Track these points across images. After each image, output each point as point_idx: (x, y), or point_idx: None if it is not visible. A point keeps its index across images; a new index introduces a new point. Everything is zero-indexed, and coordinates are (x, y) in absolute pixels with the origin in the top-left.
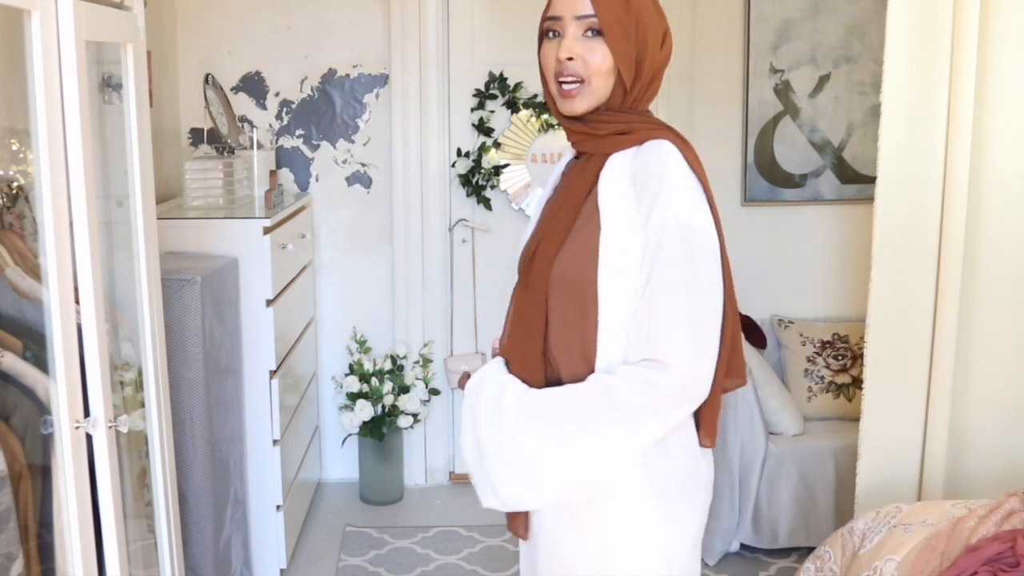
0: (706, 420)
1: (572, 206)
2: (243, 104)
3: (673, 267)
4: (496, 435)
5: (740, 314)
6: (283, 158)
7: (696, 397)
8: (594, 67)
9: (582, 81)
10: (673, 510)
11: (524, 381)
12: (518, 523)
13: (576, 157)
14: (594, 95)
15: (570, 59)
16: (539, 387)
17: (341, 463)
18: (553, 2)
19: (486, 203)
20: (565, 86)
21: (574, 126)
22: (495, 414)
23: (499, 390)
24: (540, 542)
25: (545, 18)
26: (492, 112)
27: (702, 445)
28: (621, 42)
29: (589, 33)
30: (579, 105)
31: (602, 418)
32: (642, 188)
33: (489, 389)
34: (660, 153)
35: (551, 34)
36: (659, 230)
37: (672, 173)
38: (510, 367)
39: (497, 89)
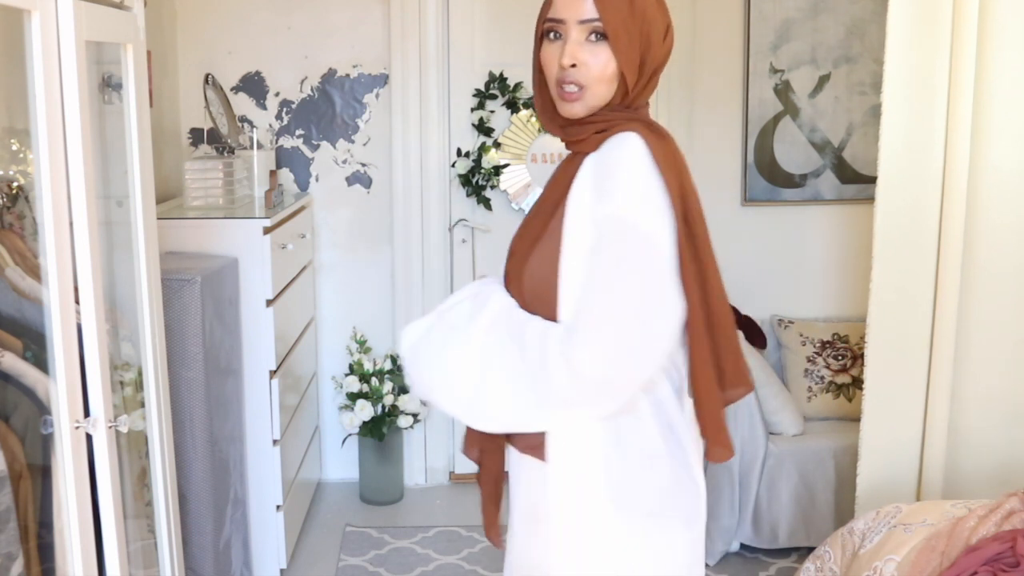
0: (709, 432)
1: (545, 211)
2: (243, 104)
3: (604, 261)
4: (455, 320)
5: (742, 314)
6: (283, 158)
7: (607, 399)
8: (596, 74)
9: (582, 87)
10: (649, 531)
11: None
12: (492, 532)
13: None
14: (594, 99)
15: (573, 66)
16: None
17: (341, 463)
18: (555, 3)
19: (486, 203)
20: (566, 89)
21: (566, 129)
22: (476, 305)
23: (495, 296)
24: (512, 551)
25: (546, 19)
26: (492, 112)
27: (710, 459)
28: (626, 46)
29: (593, 37)
30: (579, 109)
31: (520, 388)
32: (596, 182)
33: (491, 293)
34: (620, 146)
35: (552, 35)
36: (601, 223)
37: (625, 166)
38: None
39: (497, 89)
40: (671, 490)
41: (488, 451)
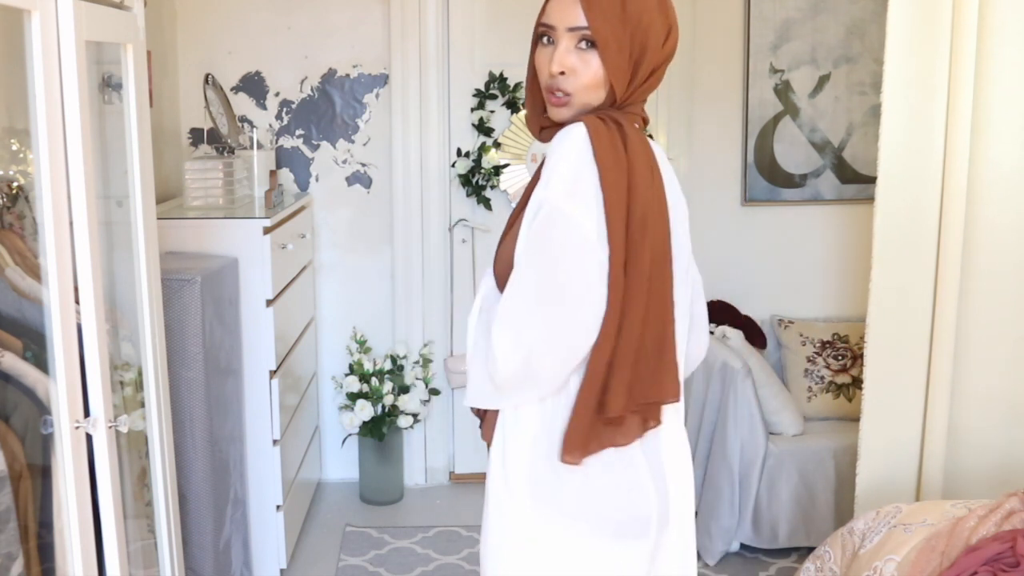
0: (569, 431)
1: (518, 207)
2: (243, 104)
3: (530, 242)
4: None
5: (741, 314)
6: (283, 158)
7: (529, 388)
8: (585, 82)
9: (568, 94)
10: (561, 536)
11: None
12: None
13: None
14: (581, 105)
15: (562, 73)
16: None
17: (341, 463)
18: (547, 8)
19: (486, 203)
20: (556, 95)
21: (546, 131)
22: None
23: (483, 281)
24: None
25: (539, 23)
26: (492, 112)
27: (562, 460)
28: (615, 55)
29: (583, 44)
30: (566, 113)
31: (480, 371)
32: (543, 170)
33: (483, 279)
34: (564, 135)
35: (545, 40)
36: (536, 206)
37: (563, 154)
38: None
39: (497, 89)
40: (597, 495)
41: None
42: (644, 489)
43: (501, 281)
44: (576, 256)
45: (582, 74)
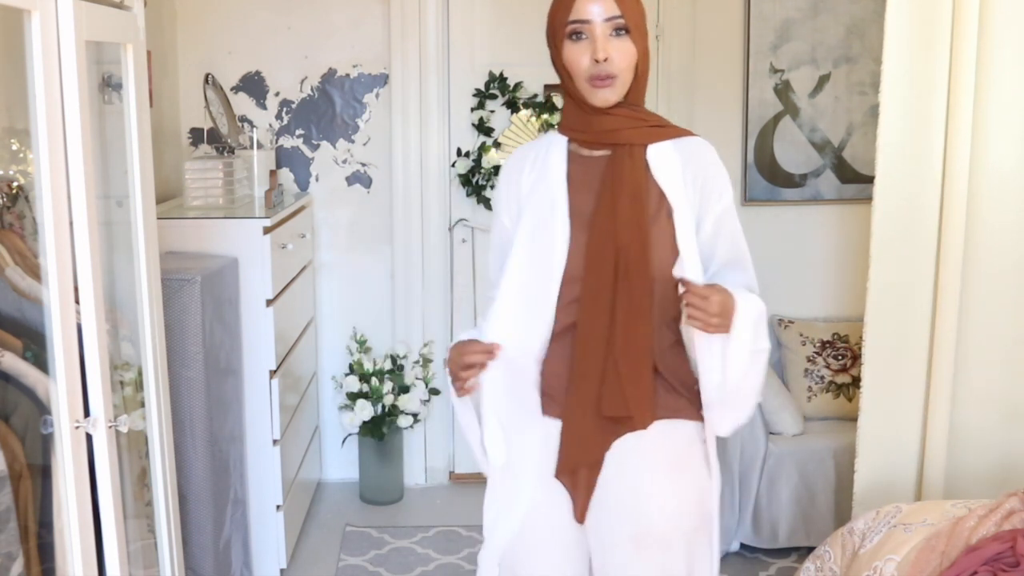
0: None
1: (639, 197)
2: (243, 104)
3: (738, 235)
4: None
5: None
6: (283, 158)
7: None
8: (624, 64)
9: (613, 77)
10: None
11: (637, 396)
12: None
13: (569, 150)
14: (624, 87)
15: (606, 59)
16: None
17: (341, 463)
18: (577, 6)
19: (486, 203)
20: (598, 81)
21: (609, 121)
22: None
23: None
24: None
25: (569, 21)
26: (492, 112)
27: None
28: (641, 38)
29: (615, 32)
30: (612, 96)
31: None
32: (706, 182)
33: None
34: (711, 150)
35: (575, 36)
36: (721, 215)
37: (720, 162)
38: (618, 383)
39: (497, 89)
40: None
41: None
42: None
43: (663, 279)
44: None
45: (622, 57)
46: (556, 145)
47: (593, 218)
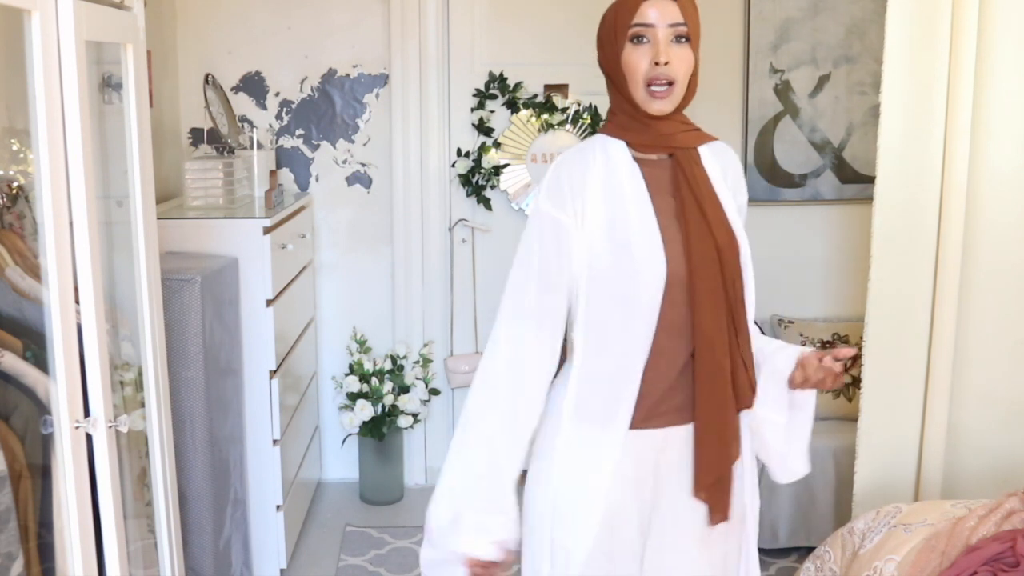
0: None
1: (716, 198)
2: (243, 104)
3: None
4: None
5: None
6: (283, 158)
7: None
8: (683, 71)
9: (672, 83)
10: None
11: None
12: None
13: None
14: (679, 97)
15: (667, 63)
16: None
17: (341, 463)
18: (643, 9)
19: (486, 203)
20: (656, 88)
21: (665, 126)
22: None
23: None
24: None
25: (632, 24)
26: (492, 112)
27: None
28: (698, 48)
29: (676, 39)
30: (668, 106)
31: None
32: (737, 183)
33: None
34: (735, 153)
35: (637, 39)
36: (744, 215)
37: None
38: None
39: (497, 89)
40: None
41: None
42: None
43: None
44: None
45: (681, 64)
46: (615, 147)
47: (687, 220)
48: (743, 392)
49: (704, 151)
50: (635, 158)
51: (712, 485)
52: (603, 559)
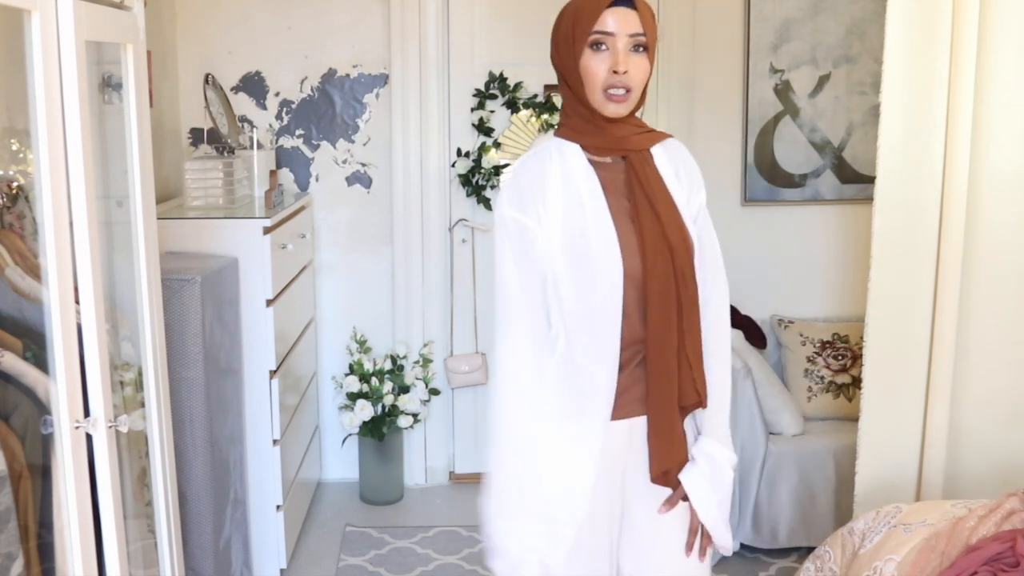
0: None
1: (670, 199)
2: (243, 104)
3: (712, 230)
4: None
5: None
6: (283, 158)
7: None
8: (639, 79)
9: (629, 90)
10: None
11: (694, 391)
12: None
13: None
14: (634, 103)
15: (625, 72)
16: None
17: (341, 463)
18: (603, 18)
19: (486, 203)
20: (613, 92)
21: (619, 129)
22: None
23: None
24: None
25: (593, 31)
26: (492, 112)
27: None
28: (654, 56)
29: (634, 48)
30: (624, 110)
31: None
32: (691, 179)
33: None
34: (687, 149)
35: (596, 46)
36: (702, 210)
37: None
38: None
39: (497, 89)
40: None
41: None
42: None
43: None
44: None
45: (638, 73)
46: (570, 151)
47: (641, 220)
48: (686, 391)
49: (657, 151)
50: (590, 160)
51: (660, 477)
52: (583, 551)
